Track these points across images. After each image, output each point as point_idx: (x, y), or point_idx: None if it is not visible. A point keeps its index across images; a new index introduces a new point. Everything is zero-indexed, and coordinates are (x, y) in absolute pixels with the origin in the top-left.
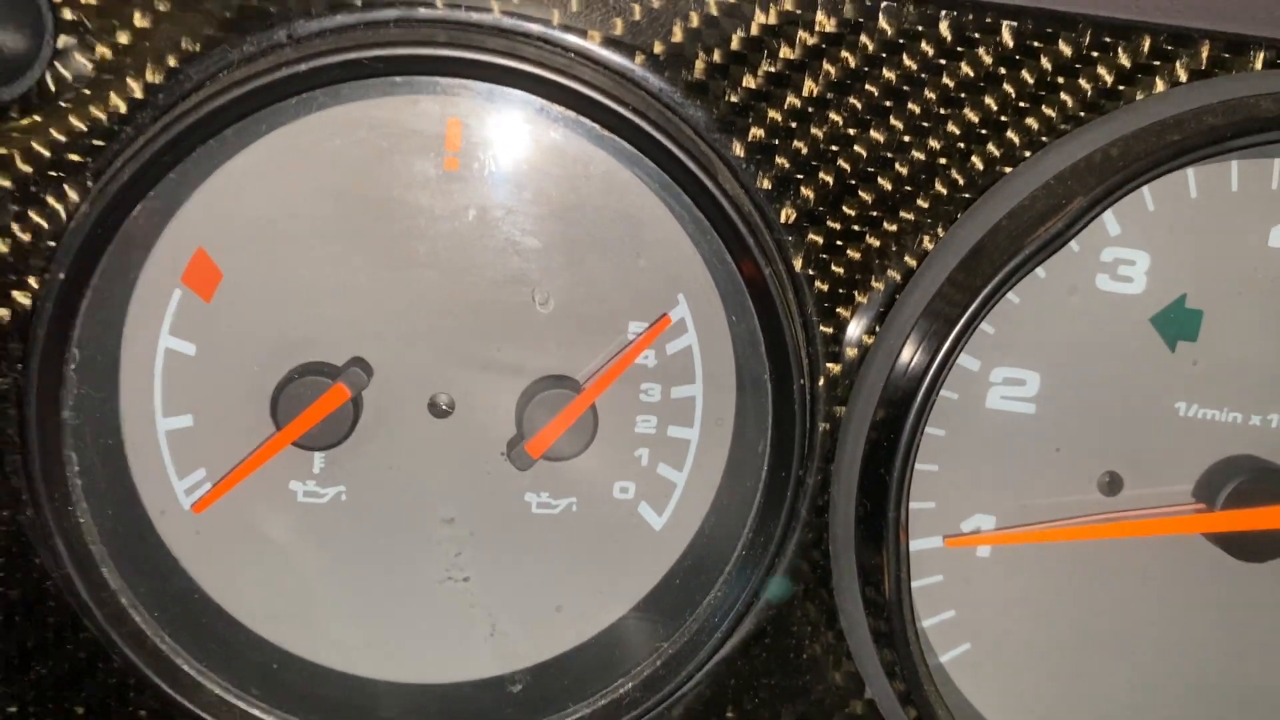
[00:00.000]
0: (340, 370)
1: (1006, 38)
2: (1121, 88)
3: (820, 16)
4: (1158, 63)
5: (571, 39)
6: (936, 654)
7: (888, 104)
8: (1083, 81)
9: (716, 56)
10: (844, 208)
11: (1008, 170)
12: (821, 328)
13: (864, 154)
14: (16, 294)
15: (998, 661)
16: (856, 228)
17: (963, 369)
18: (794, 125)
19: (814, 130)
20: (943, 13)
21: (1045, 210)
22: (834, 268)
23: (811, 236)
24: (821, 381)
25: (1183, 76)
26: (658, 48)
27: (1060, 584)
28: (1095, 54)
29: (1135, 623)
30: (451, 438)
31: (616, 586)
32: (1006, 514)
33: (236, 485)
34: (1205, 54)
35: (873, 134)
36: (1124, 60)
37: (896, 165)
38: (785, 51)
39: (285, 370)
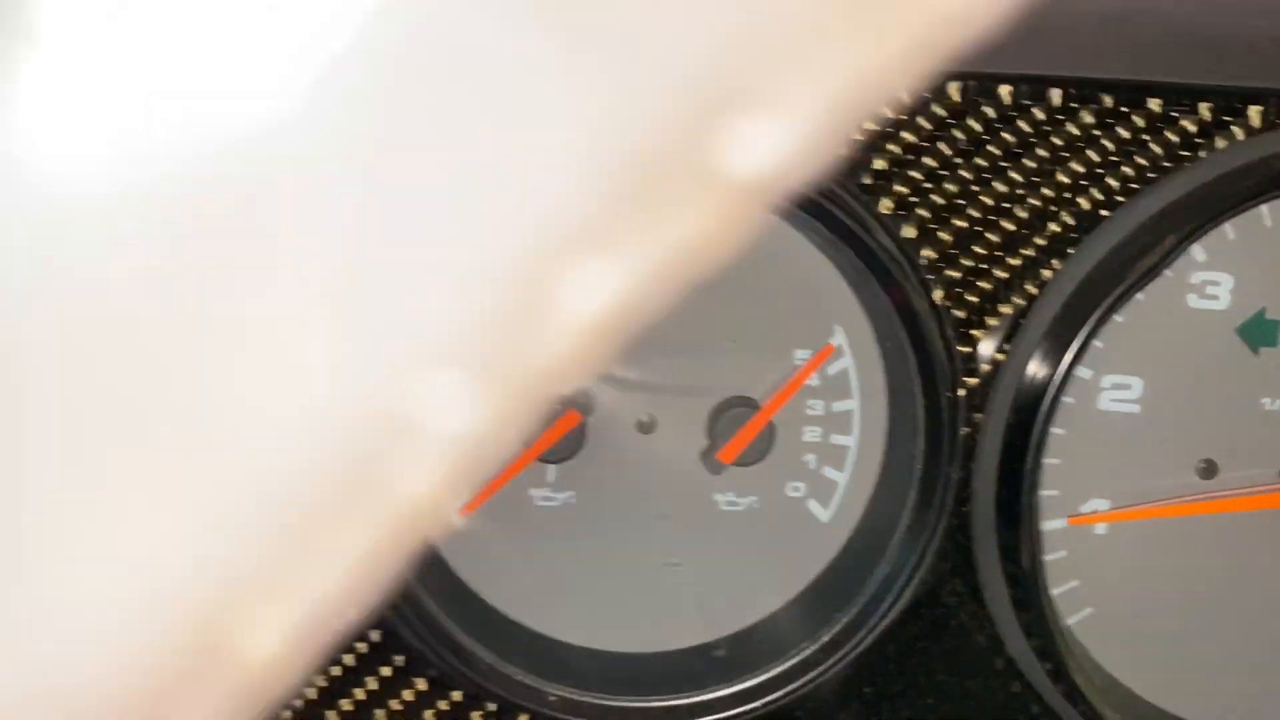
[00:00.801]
0: (570, 398)
1: (1106, 101)
2: (1199, 140)
3: (952, 89)
4: (1229, 118)
5: None
6: (1063, 617)
7: (1004, 163)
8: (1169, 134)
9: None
10: (974, 247)
11: (1107, 214)
12: (959, 348)
13: (989, 203)
14: None
15: (1117, 623)
16: (985, 265)
17: (1077, 378)
18: (930, 184)
19: (947, 186)
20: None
21: (1142, 247)
22: (968, 297)
23: (949, 272)
24: (962, 392)
25: (1256, 123)
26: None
27: (1169, 556)
28: (1176, 112)
29: (1237, 589)
30: (657, 449)
31: (794, 568)
32: (1119, 497)
33: (491, 495)
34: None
35: (996, 185)
36: (1205, 114)
37: (1016, 210)
38: (922, 123)
39: None
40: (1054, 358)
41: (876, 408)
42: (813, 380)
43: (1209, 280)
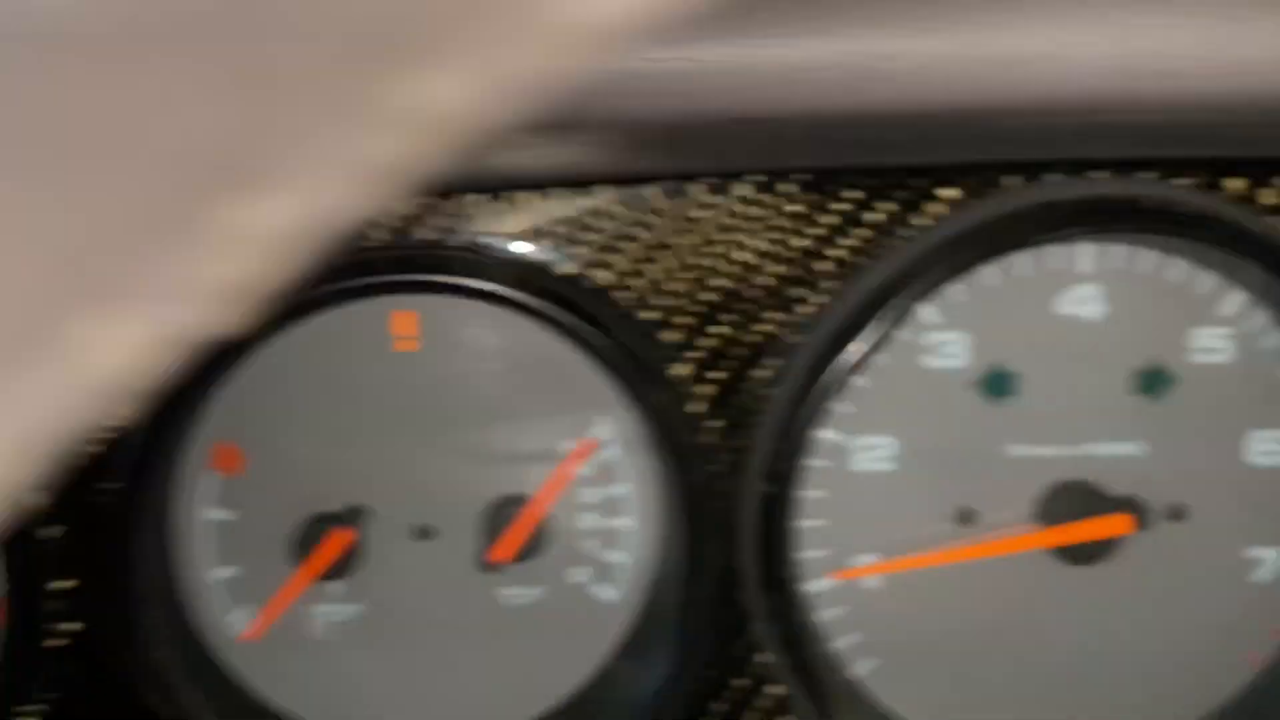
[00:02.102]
0: (339, 514)
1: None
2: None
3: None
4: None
5: None
6: (846, 670)
7: (730, 242)
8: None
9: None
10: (709, 329)
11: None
12: (708, 423)
13: (724, 283)
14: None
15: (904, 670)
16: (722, 343)
17: (830, 442)
18: (658, 270)
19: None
20: None
21: (869, 315)
22: (710, 376)
23: (692, 354)
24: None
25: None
26: None
27: (943, 602)
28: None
29: (1009, 627)
30: (434, 555)
31: (584, 652)
32: (886, 550)
33: (276, 617)
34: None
35: (729, 262)
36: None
37: (747, 289)
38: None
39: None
40: (797, 426)
41: (650, 488)
42: (583, 470)
43: (945, 340)
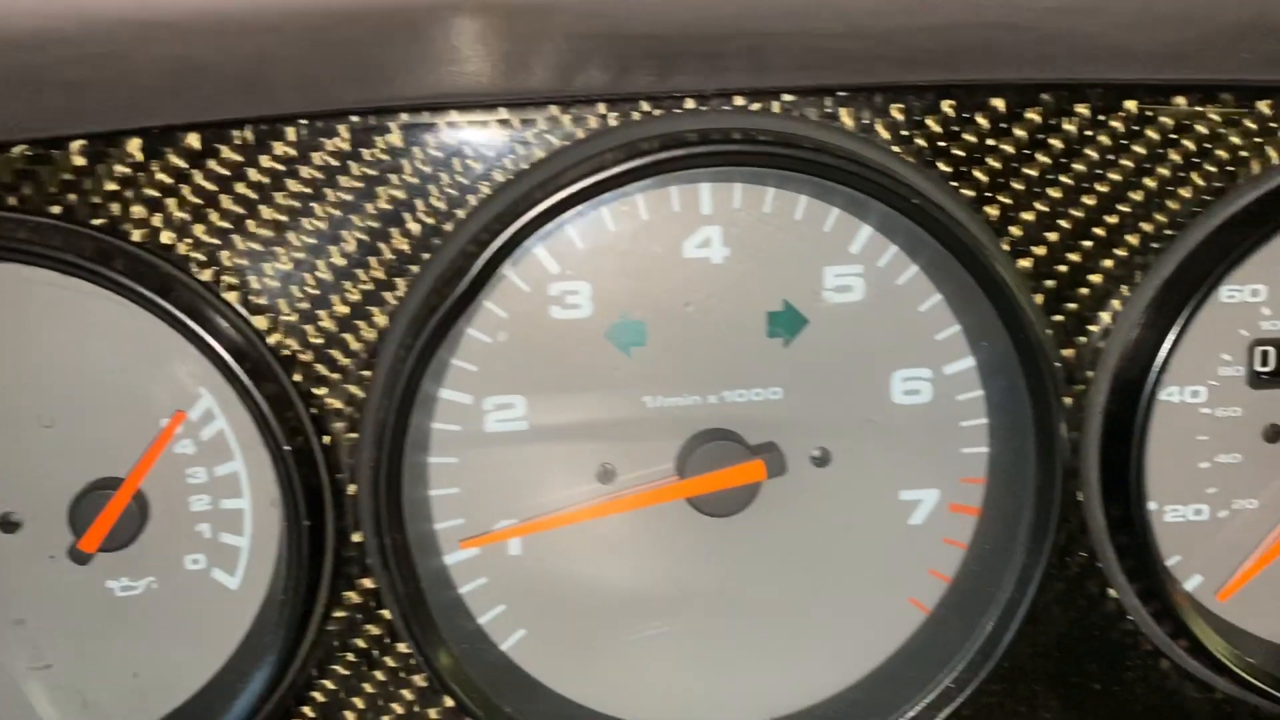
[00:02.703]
0: None
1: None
2: None
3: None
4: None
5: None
6: (497, 645)
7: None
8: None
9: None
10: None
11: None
12: (312, 409)
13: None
14: None
15: (553, 639)
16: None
17: (459, 404)
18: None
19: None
20: None
21: (458, 269)
22: (323, 353)
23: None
24: (327, 439)
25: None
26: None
27: (586, 565)
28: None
29: (662, 586)
30: (17, 550)
31: (211, 641)
32: (526, 515)
33: None
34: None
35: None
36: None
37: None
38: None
39: None
40: (395, 389)
41: (264, 467)
42: (186, 448)
43: (568, 290)
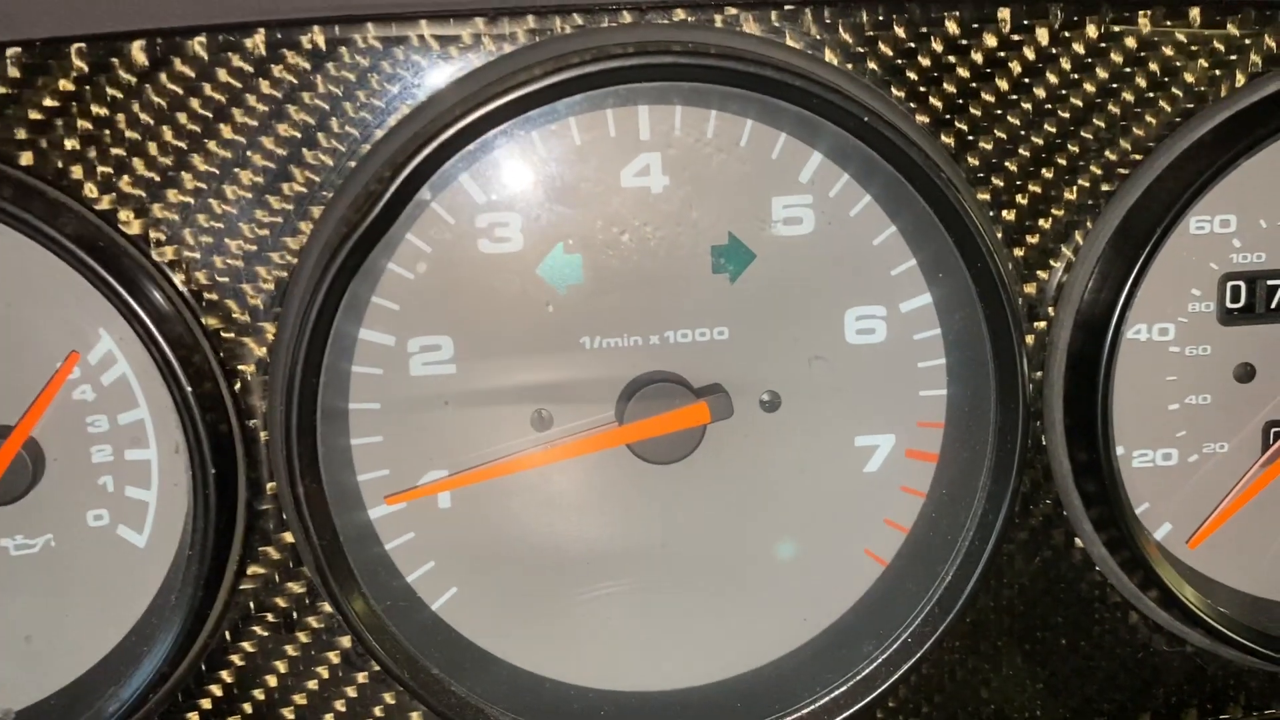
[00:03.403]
0: None
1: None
2: None
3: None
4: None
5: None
6: (427, 604)
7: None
8: None
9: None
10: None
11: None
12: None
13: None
14: None
15: (485, 598)
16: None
17: (381, 346)
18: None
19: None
20: None
21: (374, 201)
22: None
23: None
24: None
25: None
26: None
27: (522, 518)
28: None
29: (601, 542)
30: None
31: (118, 603)
32: (456, 465)
33: None
34: None
35: None
36: None
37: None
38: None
39: None
40: (306, 327)
41: (172, 414)
42: (85, 394)
43: (497, 222)
